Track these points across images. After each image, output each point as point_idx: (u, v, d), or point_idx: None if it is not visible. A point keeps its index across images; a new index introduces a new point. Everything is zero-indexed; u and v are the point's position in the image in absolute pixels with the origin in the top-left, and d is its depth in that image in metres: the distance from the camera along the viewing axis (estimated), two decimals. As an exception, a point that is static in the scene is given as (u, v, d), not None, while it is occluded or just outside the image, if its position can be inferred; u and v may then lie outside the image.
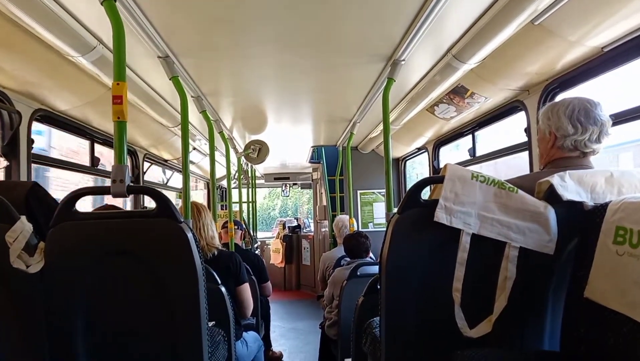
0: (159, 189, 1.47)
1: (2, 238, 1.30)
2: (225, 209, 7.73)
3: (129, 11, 1.77)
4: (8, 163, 2.28)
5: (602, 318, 1.08)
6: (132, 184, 1.47)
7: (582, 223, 1.27)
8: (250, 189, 7.09)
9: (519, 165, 3.08)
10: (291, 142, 5.48)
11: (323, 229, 7.17)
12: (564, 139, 1.49)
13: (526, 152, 2.71)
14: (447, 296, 1.38)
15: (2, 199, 1.34)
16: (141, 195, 3.96)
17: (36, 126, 2.52)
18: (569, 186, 1.31)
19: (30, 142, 2.43)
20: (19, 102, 2.34)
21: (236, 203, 5.49)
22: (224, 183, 7.73)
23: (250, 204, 7.14)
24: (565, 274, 1.31)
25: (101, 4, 1.52)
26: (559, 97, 2.44)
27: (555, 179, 1.31)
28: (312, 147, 5.94)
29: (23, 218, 1.34)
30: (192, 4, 1.83)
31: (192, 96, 2.91)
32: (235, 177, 5.71)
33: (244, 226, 4.73)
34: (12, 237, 1.31)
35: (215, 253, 2.48)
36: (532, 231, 1.33)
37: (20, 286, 1.36)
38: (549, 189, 1.33)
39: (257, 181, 8.29)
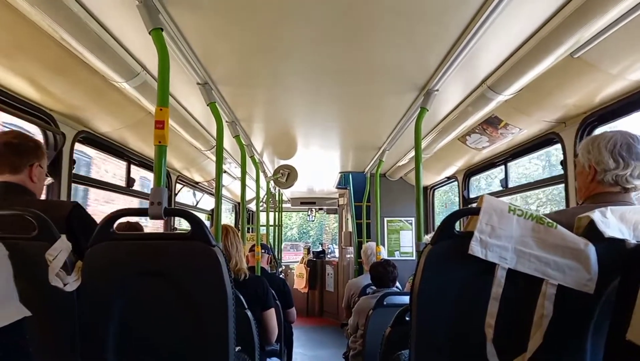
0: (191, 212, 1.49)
1: (43, 255, 1.34)
2: (252, 232, 7.79)
3: (174, 40, 1.85)
4: (52, 180, 2.37)
5: None
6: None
7: (624, 261, 1.22)
8: (276, 213, 7.12)
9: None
10: (319, 167, 5.52)
11: (348, 256, 7.10)
12: (604, 174, 1.44)
13: (562, 185, 2.64)
14: (479, 331, 1.34)
15: (45, 217, 1.38)
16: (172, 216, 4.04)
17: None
18: (611, 222, 1.26)
19: (72, 162, 2.53)
20: (63, 124, 2.45)
21: (263, 225, 5.52)
22: (251, 206, 7.80)
23: (276, 228, 7.16)
24: (606, 314, 1.25)
25: (149, 32, 1.60)
26: (597, 131, 2.38)
27: (596, 215, 1.26)
28: (339, 172, 5.95)
29: (63, 236, 1.38)
30: (234, 33, 1.90)
31: (226, 121, 2.98)
32: (264, 200, 5.76)
33: (271, 250, 4.73)
34: (52, 255, 1.34)
35: (245, 276, 2.48)
36: (572, 268, 1.28)
37: (56, 303, 1.39)
38: (590, 225, 1.28)
39: (284, 205, 8.32)
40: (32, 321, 1.27)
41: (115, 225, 1.48)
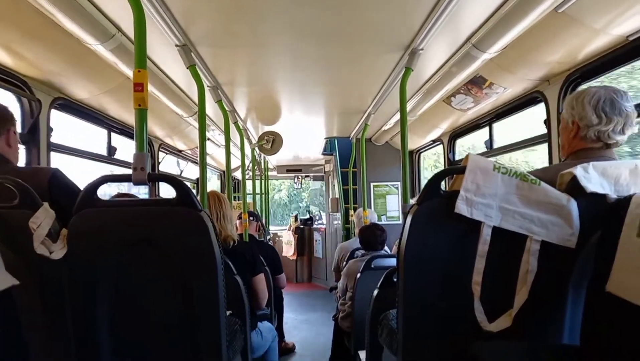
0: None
1: (26, 224, 1.32)
2: (239, 200, 7.79)
3: (150, 0, 1.77)
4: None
5: (624, 312, 1.06)
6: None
7: (605, 215, 1.24)
8: (262, 181, 7.11)
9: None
10: (304, 133, 5.48)
11: (335, 222, 7.17)
12: (587, 129, 1.45)
13: (545, 145, 2.67)
14: (466, 289, 1.36)
15: (25, 185, 1.35)
16: (157, 183, 4.00)
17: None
18: (592, 177, 1.28)
19: (49, 130, 2.46)
20: (39, 90, 2.37)
21: (250, 194, 5.51)
22: (237, 174, 7.76)
23: (263, 195, 7.16)
24: (587, 268, 1.29)
25: None
26: (580, 88, 2.39)
27: (578, 171, 1.28)
28: (325, 138, 5.92)
29: (46, 204, 1.36)
30: None
31: (208, 86, 2.91)
32: (249, 168, 5.73)
33: (258, 217, 4.75)
34: (36, 223, 1.32)
35: (234, 243, 2.49)
36: (554, 224, 1.30)
37: (44, 272, 1.38)
38: (572, 180, 1.30)
39: (270, 173, 8.30)
40: (19, 290, 1.26)
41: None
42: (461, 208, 1.36)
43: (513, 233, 1.33)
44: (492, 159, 3.42)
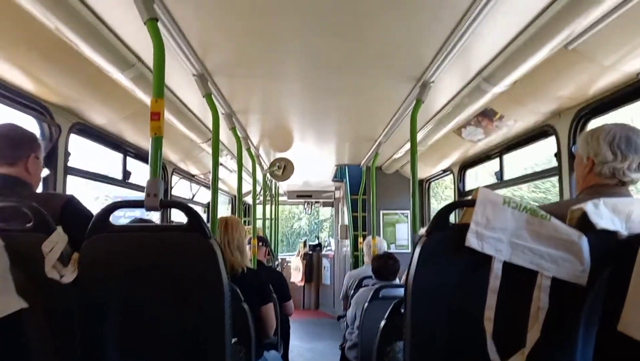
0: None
1: (39, 247, 1.34)
2: (249, 225, 7.80)
3: (169, 30, 1.84)
4: (49, 172, 2.37)
5: (635, 352, 1.04)
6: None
7: (616, 252, 1.23)
8: (273, 206, 7.12)
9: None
10: (315, 160, 5.52)
11: (344, 249, 7.12)
12: (602, 166, 1.44)
13: (556, 178, 2.66)
14: (475, 324, 1.34)
15: (41, 210, 1.38)
16: (169, 209, 4.04)
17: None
18: (603, 213, 1.27)
19: (67, 154, 2.52)
20: (58, 115, 2.43)
21: (260, 219, 5.53)
22: (247, 198, 7.79)
23: (273, 221, 7.16)
24: (597, 305, 1.26)
25: (144, 23, 1.59)
26: (591, 123, 2.40)
27: (589, 207, 1.27)
28: (335, 165, 5.95)
29: (59, 228, 1.39)
30: (229, 24, 1.89)
31: (222, 113, 2.97)
32: (260, 193, 5.76)
33: (268, 243, 4.74)
34: (49, 247, 1.35)
35: (243, 270, 2.47)
36: (565, 260, 1.28)
37: (54, 295, 1.39)
38: (582, 216, 1.29)
39: (280, 198, 8.32)
40: (29, 314, 1.28)
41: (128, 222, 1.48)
42: (472, 241, 1.35)
43: (523, 269, 1.31)
44: (504, 190, 3.41)
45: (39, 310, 1.38)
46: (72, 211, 1.56)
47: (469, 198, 1.42)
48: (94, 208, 1.54)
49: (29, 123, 2.30)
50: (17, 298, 1.23)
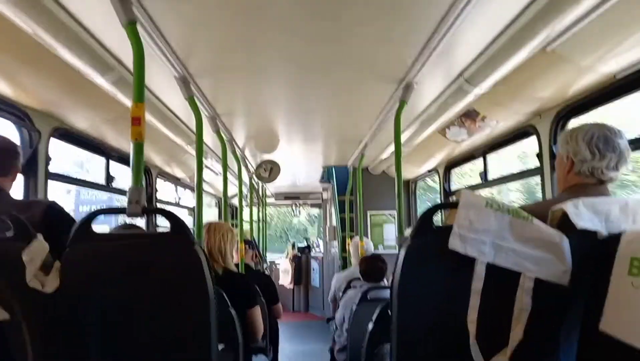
0: (172, 208, 1.48)
1: (20, 256, 1.31)
2: (236, 228, 7.75)
3: (149, 34, 1.82)
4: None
5: (617, 351, 1.05)
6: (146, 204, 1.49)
7: (596, 252, 1.24)
8: (260, 208, 7.09)
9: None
10: (302, 161, 5.51)
11: (332, 250, 7.12)
12: (581, 165, 1.47)
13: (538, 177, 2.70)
14: (460, 325, 1.35)
15: (20, 218, 1.36)
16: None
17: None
18: (583, 214, 1.28)
19: (48, 159, 2.47)
20: (39, 119, 2.39)
21: (247, 221, 5.50)
22: (234, 201, 7.75)
23: (261, 223, 7.13)
24: (580, 305, 1.28)
25: (123, 26, 1.57)
26: (571, 122, 2.44)
27: (569, 207, 1.29)
28: (323, 167, 5.95)
29: (40, 236, 1.36)
30: (210, 25, 1.88)
31: (206, 116, 2.95)
32: (247, 196, 5.73)
33: (255, 246, 4.71)
34: (29, 256, 1.32)
35: (228, 274, 2.45)
36: (547, 261, 1.29)
37: (37, 304, 1.37)
38: (563, 217, 1.31)
39: (267, 200, 8.30)
40: (12, 322, 1.25)
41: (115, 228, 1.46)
42: (455, 243, 1.36)
43: (507, 270, 1.32)
44: (487, 190, 3.44)
45: (22, 318, 1.36)
46: (54, 216, 1.53)
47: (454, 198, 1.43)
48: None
49: (8, 128, 2.26)
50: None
